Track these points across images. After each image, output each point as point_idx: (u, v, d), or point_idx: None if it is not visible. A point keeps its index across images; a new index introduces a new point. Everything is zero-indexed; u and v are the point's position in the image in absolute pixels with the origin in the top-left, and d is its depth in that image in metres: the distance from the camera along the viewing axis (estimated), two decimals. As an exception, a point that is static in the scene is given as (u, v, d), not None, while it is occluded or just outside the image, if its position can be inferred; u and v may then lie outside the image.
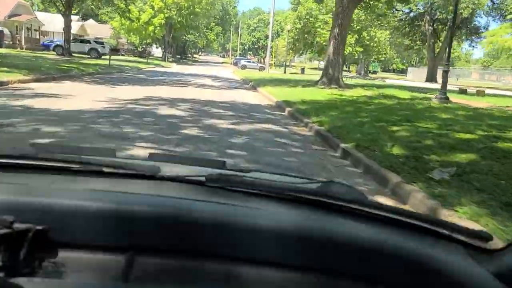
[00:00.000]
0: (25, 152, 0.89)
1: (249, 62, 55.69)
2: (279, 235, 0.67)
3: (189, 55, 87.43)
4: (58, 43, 34.07)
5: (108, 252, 0.65)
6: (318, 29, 39.60)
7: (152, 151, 4.65)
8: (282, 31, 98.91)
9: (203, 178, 0.83)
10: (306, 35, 41.87)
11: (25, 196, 0.68)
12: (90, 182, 0.80)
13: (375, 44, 38.87)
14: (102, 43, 35.20)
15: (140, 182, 0.83)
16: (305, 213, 0.75)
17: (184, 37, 70.53)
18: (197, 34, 74.35)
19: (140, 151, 4.55)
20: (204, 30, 76.70)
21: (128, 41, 76.59)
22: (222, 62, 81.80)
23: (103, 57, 35.25)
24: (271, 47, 54.23)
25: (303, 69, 49.88)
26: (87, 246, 0.65)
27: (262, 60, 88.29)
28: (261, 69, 53.42)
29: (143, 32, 49.07)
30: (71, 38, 35.40)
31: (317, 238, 0.67)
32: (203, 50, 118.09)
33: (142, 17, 48.07)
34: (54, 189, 0.74)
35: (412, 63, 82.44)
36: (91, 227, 0.66)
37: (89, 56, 33.33)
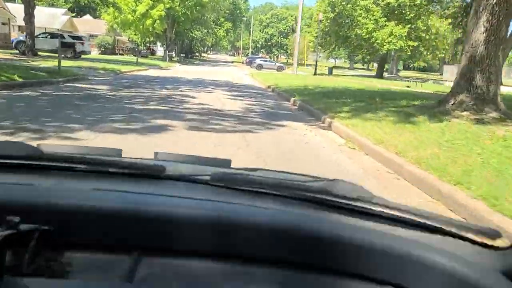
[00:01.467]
0: (30, 152, 0.86)
1: (265, 61, 46.63)
2: (284, 234, 0.66)
3: (197, 54, 78.63)
4: (21, 38, 25.38)
5: (114, 252, 0.64)
6: (359, 18, 30.44)
7: None
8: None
9: (208, 177, 0.82)
10: (337, 28, 32.74)
11: (30, 196, 0.68)
12: (96, 182, 0.78)
13: (432, 37, 29.61)
14: (80, 38, 26.35)
15: (145, 181, 0.82)
16: (310, 212, 0.74)
17: (191, 33, 61.79)
18: (205, 31, 65.53)
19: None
20: (213, 26, 67.83)
21: (130, 39, 68.26)
22: (233, 61, 72.90)
23: (83, 56, 26.77)
24: (287, 44, 45.18)
25: (330, 69, 40.85)
26: (93, 246, 0.65)
27: (276, 58, 79.23)
28: (280, 69, 44.47)
29: (141, 26, 40.33)
30: (43, 33, 26.72)
31: (322, 237, 0.66)
32: (211, 48, 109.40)
33: (138, 8, 39.41)
34: (60, 189, 0.74)
35: (446, 60, 72.43)
36: (96, 227, 0.65)
37: (63, 56, 24.90)
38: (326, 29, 33.72)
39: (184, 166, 0.95)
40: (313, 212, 0.74)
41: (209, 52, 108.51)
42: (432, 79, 40.20)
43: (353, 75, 37.80)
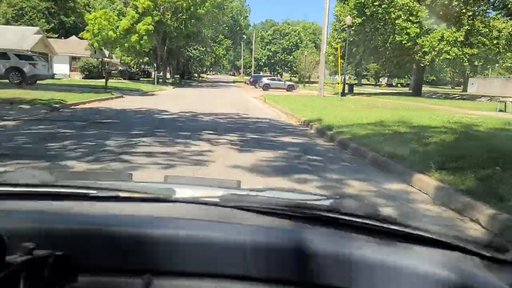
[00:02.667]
0: (44, 179, 0.88)
1: (273, 79, 39.51)
2: (294, 254, 0.66)
3: (195, 75, 72.03)
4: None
5: (126, 275, 0.65)
6: (398, 21, 23.39)
7: None
8: (301, 42, 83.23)
9: (217, 199, 0.82)
10: (367, 35, 25.70)
11: (44, 222, 0.69)
12: (107, 207, 0.80)
13: (494, 42, 22.44)
14: (31, 57, 19.20)
15: (155, 205, 0.83)
16: (318, 231, 0.74)
17: (187, 52, 55.16)
18: (203, 49, 58.94)
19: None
20: (211, 43, 61.32)
21: (122, 61, 61.58)
22: (234, 81, 66.23)
23: (40, 82, 19.77)
24: (293, 61, 37.93)
25: (351, 87, 33.74)
26: (106, 269, 0.66)
27: (279, 76, 72.30)
28: (290, 88, 37.36)
29: (126, 44, 33.46)
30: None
31: (331, 256, 0.66)
32: (211, 68, 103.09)
33: (121, 23, 32.64)
34: (73, 215, 0.75)
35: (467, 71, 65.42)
36: (109, 251, 0.66)
37: (8, 82, 17.95)
38: (351, 38, 26.69)
39: (194, 189, 0.93)
40: (322, 230, 0.73)
41: (208, 72, 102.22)
42: (466, 94, 33.12)
43: (382, 93, 30.59)
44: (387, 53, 26.40)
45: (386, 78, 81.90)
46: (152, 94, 21.77)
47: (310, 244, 0.67)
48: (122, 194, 0.83)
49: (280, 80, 39.26)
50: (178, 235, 0.67)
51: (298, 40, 78.17)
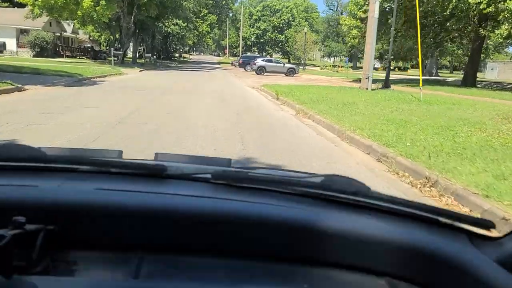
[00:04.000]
0: (34, 154, 0.85)
1: (270, 62, 31.19)
2: (284, 229, 0.67)
3: (175, 55, 63.22)
4: None
5: (119, 250, 0.65)
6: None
7: None
8: (293, 20, 74.18)
9: (209, 175, 0.81)
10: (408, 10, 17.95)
11: (35, 197, 0.68)
12: (98, 182, 0.78)
13: None
14: None
15: (147, 181, 0.82)
16: (309, 207, 0.74)
17: (165, 27, 46.45)
18: (184, 24, 50.19)
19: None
20: (194, 18, 52.55)
21: (91, 37, 52.22)
22: (219, 63, 57.84)
23: None
24: (289, 39, 29.95)
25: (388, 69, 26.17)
26: (98, 244, 0.65)
27: (269, 57, 63.84)
28: (290, 73, 29.48)
29: (79, 12, 24.83)
30: None
31: (321, 231, 0.66)
32: (194, 48, 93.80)
33: (70, -18, 24.00)
34: (64, 190, 0.74)
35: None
36: (100, 226, 0.66)
37: None
38: (387, 7, 18.86)
39: (185, 166, 0.92)
40: (312, 207, 0.74)
41: (192, 52, 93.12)
42: (506, 82, 25.97)
43: (414, 80, 23.13)
44: (451, 25, 18.63)
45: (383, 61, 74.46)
46: (94, 83, 13.64)
47: (300, 220, 0.67)
48: (113, 170, 0.82)
49: (278, 62, 31.00)
50: (169, 210, 0.67)
51: (291, 18, 69.64)
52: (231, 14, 74.12)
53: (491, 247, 0.68)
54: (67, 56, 36.74)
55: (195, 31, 56.67)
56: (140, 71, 24.08)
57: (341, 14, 73.77)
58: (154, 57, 52.21)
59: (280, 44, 68.96)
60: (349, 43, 21.58)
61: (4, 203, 0.65)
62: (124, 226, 0.66)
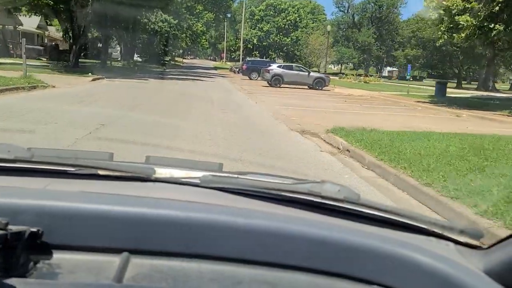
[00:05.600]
0: (20, 155, 0.84)
1: (289, 69, 21.97)
2: (273, 235, 0.66)
3: (167, 58, 54.38)
4: None
5: (103, 253, 0.64)
6: None
7: None
8: (300, 21, 65.25)
9: (198, 180, 0.81)
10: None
11: (19, 198, 0.66)
12: (85, 184, 0.78)
13: None
14: None
15: (135, 184, 0.81)
16: (298, 213, 0.74)
17: (151, 24, 37.56)
18: (175, 21, 41.39)
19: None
20: (187, 15, 43.83)
21: (62, 33, 43.20)
22: (216, 68, 49.17)
23: None
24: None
25: (442, 87, 17.38)
26: (82, 247, 0.64)
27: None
28: (319, 84, 20.80)
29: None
30: None
31: (310, 238, 0.66)
32: (189, 52, 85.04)
33: None
34: (49, 191, 0.73)
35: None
36: (85, 228, 0.65)
37: None
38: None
39: (175, 170, 0.89)
40: (301, 213, 0.73)
41: (186, 56, 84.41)
42: None
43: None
44: None
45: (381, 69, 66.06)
46: None
47: (290, 226, 0.66)
48: (101, 172, 0.80)
49: (300, 70, 21.82)
50: (157, 214, 0.65)
51: (297, 19, 61.05)
52: (229, 15, 65.50)
53: (478, 256, 0.68)
54: (18, 56, 27.81)
55: (189, 30, 47.80)
56: (93, 80, 15.13)
57: (353, 16, 65.89)
58: (138, 59, 43.21)
59: (285, 48, 60.26)
60: (441, 41, 12.64)
61: None
62: (109, 230, 0.64)
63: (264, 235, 0.65)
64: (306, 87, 20.84)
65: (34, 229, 0.59)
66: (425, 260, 0.63)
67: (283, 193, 0.78)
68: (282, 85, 20.48)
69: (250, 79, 28.34)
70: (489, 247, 0.69)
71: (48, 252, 0.61)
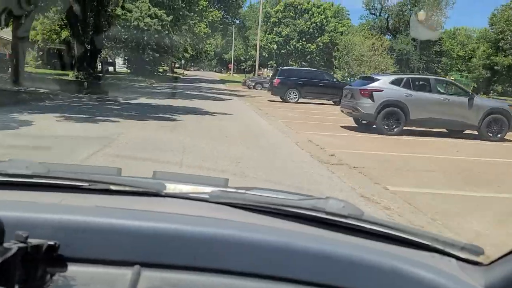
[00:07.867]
0: (37, 171, 0.86)
1: (424, 91, 8.46)
2: (279, 250, 0.67)
3: (160, 69, 42.27)
4: None
5: (116, 266, 0.65)
6: None
7: None
8: (327, 25, 53.13)
9: (206, 195, 0.83)
10: None
11: (37, 212, 0.68)
12: (98, 199, 0.80)
13: None
14: None
15: (145, 199, 0.84)
16: (303, 229, 0.75)
17: (130, 16, 25.38)
18: (169, 18, 29.11)
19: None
20: (185, 10, 31.62)
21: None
22: (223, 81, 37.22)
23: None
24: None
25: None
26: (95, 260, 0.66)
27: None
28: (493, 125, 8.17)
29: None
30: None
31: (315, 253, 0.67)
32: (193, 63, 73.05)
33: None
34: (65, 206, 0.75)
35: None
36: (99, 242, 0.66)
37: None
38: None
39: (183, 185, 0.92)
40: (306, 228, 0.74)
41: (189, 68, 72.51)
42: None
43: None
44: None
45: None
46: None
47: (296, 241, 0.67)
48: (113, 188, 0.83)
49: (451, 91, 8.99)
50: (168, 229, 0.67)
51: (324, 21, 48.77)
52: (237, 21, 53.63)
53: (480, 273, 0.68)
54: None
55: (191, 34, 35.63)
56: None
57: (387, 20, 54.21)
58: (101, 69, 30.81)
59: (308, 57, 47.85)
60: None
61: (7, 219, 0.62)
62: (122, 243, 0.65)
63: (270, 249, 0.66)
64: (455, 130, 8.38)
65: (51, 242, 0.60)
66: (429, 276, 0.62)
67: (289, 209, 0.79)
68: (404, 128, 8.06)
69: (285, 101, 16.37)
70: (490, 264, 0.69)
71: (64, 265, 0.62)
